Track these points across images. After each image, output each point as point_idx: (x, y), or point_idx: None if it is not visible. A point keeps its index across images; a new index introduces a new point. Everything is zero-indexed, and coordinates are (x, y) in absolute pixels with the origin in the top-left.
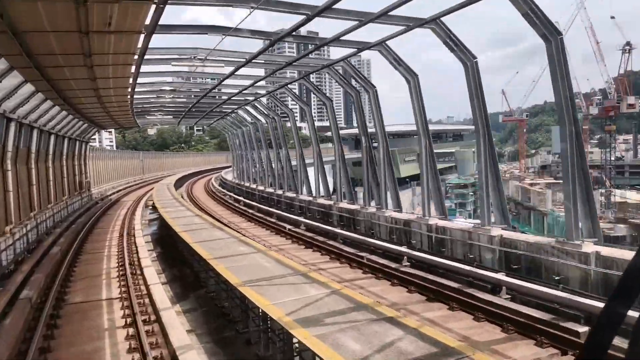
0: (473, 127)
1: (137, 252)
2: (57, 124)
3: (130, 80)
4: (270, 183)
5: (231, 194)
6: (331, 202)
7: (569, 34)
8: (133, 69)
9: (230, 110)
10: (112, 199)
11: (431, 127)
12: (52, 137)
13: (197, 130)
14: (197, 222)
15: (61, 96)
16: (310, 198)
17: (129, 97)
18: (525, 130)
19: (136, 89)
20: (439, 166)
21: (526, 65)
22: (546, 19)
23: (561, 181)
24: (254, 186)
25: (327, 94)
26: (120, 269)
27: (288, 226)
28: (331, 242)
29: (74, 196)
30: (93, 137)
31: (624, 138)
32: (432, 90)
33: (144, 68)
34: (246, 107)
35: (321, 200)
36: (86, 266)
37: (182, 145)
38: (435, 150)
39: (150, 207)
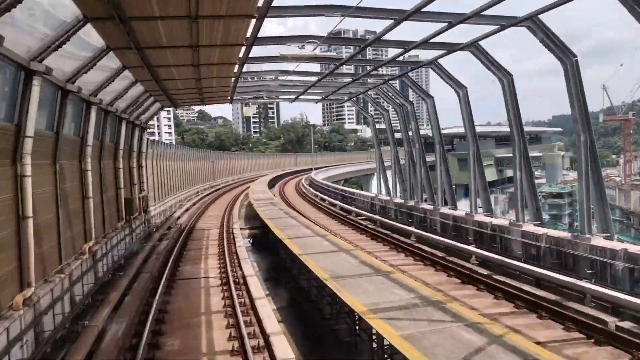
0: (553, 128)
1: None
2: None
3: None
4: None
5: (407, 228)
6: None
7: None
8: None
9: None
10: (181, 225)
11: (497, 129)
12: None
13: (254, 132)
14: None
15: None
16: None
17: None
18: (631, 131)
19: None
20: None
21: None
22: None
23: None
24: (502, 223)
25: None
26: None
27: None
28: None
29: (117, 231)
30: (151, 122)
31: None
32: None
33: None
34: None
35: None
36: None
37: (242, 146)
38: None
39: (247, 237)
